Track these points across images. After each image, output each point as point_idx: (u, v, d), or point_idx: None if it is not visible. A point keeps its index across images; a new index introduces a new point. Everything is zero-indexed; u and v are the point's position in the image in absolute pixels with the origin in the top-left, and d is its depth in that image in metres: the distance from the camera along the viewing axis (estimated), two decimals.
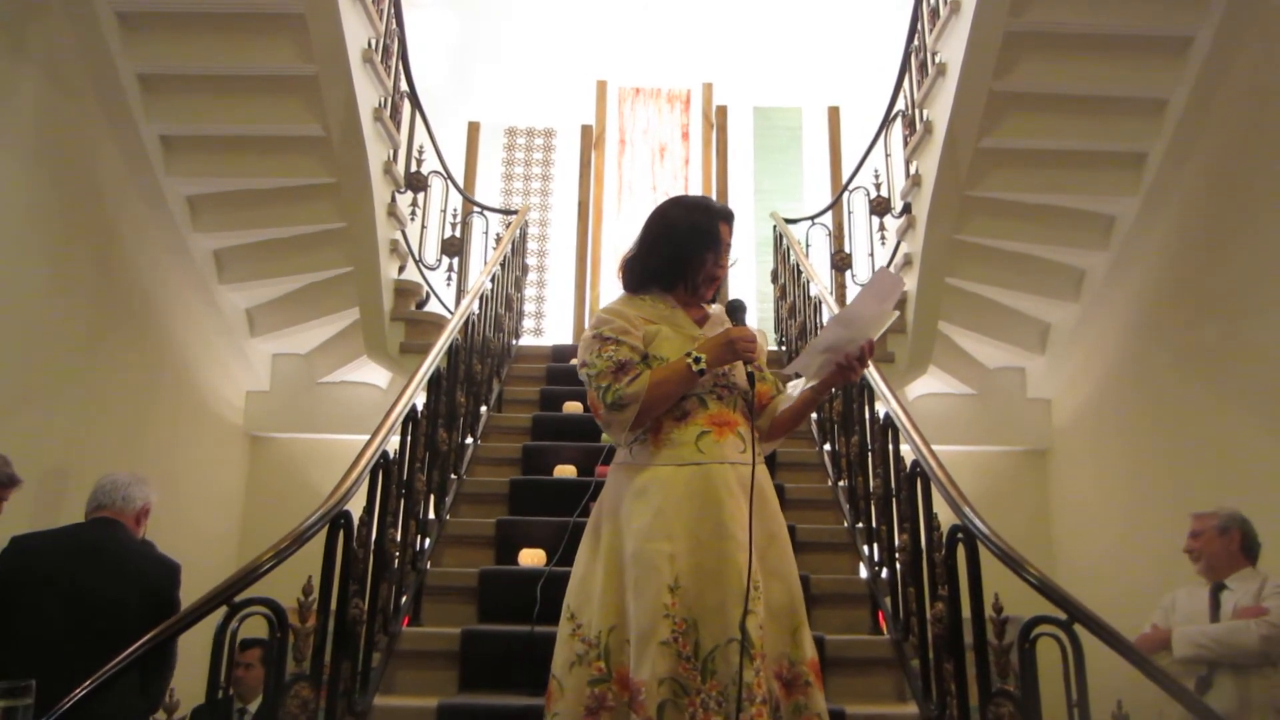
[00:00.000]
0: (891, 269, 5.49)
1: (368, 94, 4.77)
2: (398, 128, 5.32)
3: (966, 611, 2.42)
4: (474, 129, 7.11)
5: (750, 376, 2.01)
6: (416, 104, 5.58)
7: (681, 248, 2.14)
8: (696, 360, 1.97)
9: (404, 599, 3.09)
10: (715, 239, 2.13)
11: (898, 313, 2.15)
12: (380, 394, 5.65)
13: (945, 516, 2.62)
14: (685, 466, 1.96)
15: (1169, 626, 3.21)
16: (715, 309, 2.24)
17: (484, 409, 4.61)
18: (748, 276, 6.83)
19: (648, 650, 1.82)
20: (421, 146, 5.58)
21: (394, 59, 5.22)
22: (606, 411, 1.99)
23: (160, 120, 4.42)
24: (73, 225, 4.10)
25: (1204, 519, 3.28)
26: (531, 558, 3.49)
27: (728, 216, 2.19)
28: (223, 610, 2.03)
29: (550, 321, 7.17)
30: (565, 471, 4.10)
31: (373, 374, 5.71)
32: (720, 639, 1.81)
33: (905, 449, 3.03)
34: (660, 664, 1.80)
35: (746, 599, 1.82)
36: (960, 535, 2.42)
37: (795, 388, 2.11)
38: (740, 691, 1.77)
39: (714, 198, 5.92)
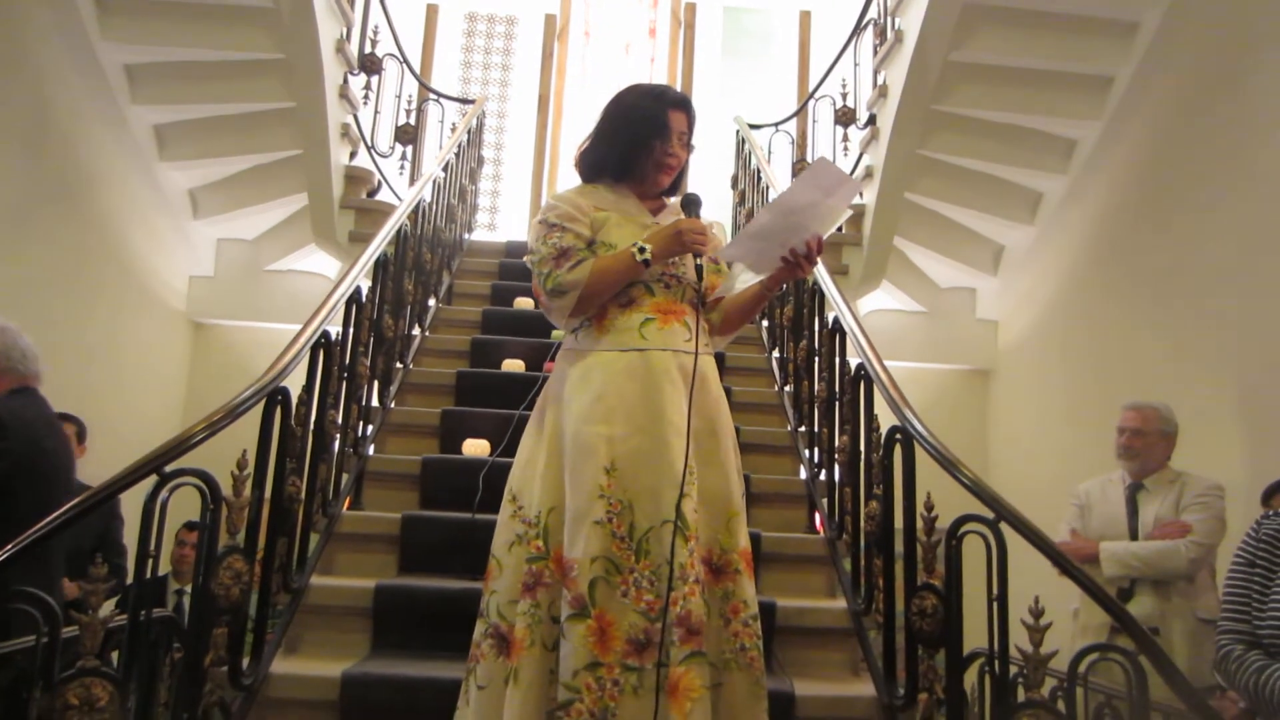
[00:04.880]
0: (853, 179, 5.44)
1: None
2: (352, 4, 5.09)
3: (899, 522, 2.45)
4: (432, 12, 6.83)
5: (700, 269, 1.99)
6: None
7: (629, 135, 2.10)
8: (641, 250, 1.96)
9: (344, 482, 3.08)
10: (663, 126, 2.07)
11: (849, 211, 2.10)
12: (329, 285, 5.54)
13: (886, 421, 2.66)
14: (628, 352, 1.97)
15: (1086, 531, 3.32)
16: (674, 201, 2.21)
17: (433, 301, 4.54)
18: (710, 180, 6.74)
19: (581, 529, 1.85)
20: (377, 27, 5.36)
21: None
22: (547, 297, 2.02)
23: None
24: None
25: (1146, 416, 3.28)
26: (475, 448, 3.49)
27: (681, 103, 2.12)
28: (153, 480, 1.99)
29: (505, 217, 7.06)
30: (513, 366, 4.07)
31: (321, 263, 5.59)
32: (654, 520, 1.84)
33: (852, 360, 3.06)
34: (593, 542, 1.83)
35: (683, 483, 1.83)
36: (899, 436, 2.46)
37: (743, 281, 2.09)
38: (673, 571, 1.80)
39: None
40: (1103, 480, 3.40)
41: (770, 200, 1.99)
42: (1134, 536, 3.20)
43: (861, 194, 5.43)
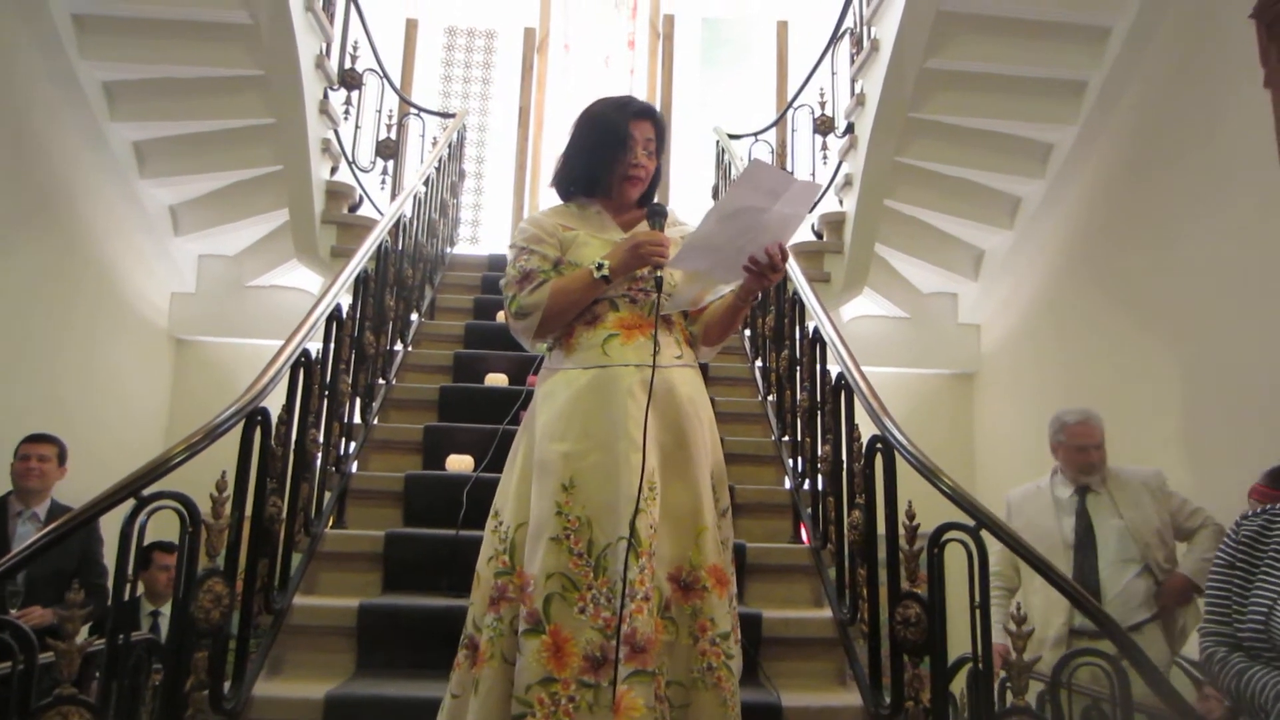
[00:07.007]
0: (831, 190, 5.47)
1: None
2: (331, 20, 5.09)
3: (882, 528, 2.46)
4: (412, 26, 6.84)
5: (659, 281, 1.96)
6: None
7: (592, 148, 2.09)
8: (599, 267, 1.97)
9: (327, 500, 3.06)
10: (625, 136, 2.06)
11: (806, 213, 2.05)
12: (311, 300, 5.52)
13: (868, 430, 2.66)
14: (590, 369, 1.98)
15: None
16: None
17: (415, 316, 4.53)
18: (691, 190, 6.76)
19: (539, 545, 1.86)
20: (356, 42, 5.36)
21: None
22: (512, 320, 2.05)
23: None
24: None
25: (1097, 428, 3.31)
26: (459, 463, 3.48)
27: (644, 112, 2.10)
28: (130, 503, 1.98)
29: (487, 230, 7.05)
30: (497, 380, 4.06)
31: (303, 278, 5.57)
32: (611, 537, 1.84)
33: (833, 368, 3.06)
34: (549, 559, 1.84)
35: (639, 498, 1.82)
36: (879, 445, 2.46)
37: (718, 291, 2.09)
38: (624, 588, 1.79)
39: (657, 107, 5.82)
40: (1026, 487, 3.40)
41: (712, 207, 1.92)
42: (1084, 546, 3.17)
43: (841, 201, 5.45)
